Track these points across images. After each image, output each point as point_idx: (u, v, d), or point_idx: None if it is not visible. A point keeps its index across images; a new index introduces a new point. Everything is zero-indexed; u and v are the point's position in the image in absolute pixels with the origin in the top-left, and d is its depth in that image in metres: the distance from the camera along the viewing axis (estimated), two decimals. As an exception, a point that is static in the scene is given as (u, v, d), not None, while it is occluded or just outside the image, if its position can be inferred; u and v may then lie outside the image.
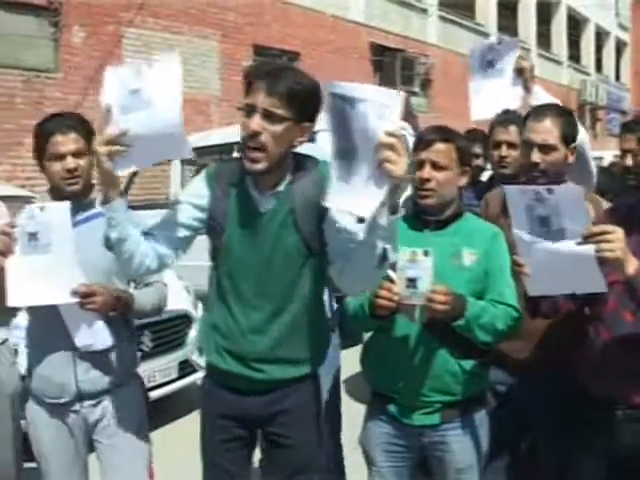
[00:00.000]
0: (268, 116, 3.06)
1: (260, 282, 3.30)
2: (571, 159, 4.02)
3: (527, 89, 4.80)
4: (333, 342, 4.31)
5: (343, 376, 7.97)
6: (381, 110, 2.70)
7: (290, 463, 3.47)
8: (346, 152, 2.81)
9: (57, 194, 3.63)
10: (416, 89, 24.41)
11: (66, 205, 3.40)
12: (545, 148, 3.90)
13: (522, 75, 4.82)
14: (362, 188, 2.78)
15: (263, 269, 3.28)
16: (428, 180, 3.53)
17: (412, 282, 3.29)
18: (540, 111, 4.05)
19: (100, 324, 3.58)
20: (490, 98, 4.91)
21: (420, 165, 3.56)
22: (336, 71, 20.40)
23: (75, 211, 3.47)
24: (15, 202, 4.72)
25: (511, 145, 4.79)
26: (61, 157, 3.57)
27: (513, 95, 4.87)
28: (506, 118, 4.85)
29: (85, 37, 14.72)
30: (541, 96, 4.76)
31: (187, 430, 4.19)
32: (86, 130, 3.67)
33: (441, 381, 3.54)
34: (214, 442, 3.53)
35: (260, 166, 3.13)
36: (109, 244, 3.18)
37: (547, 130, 3.91)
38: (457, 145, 3.60)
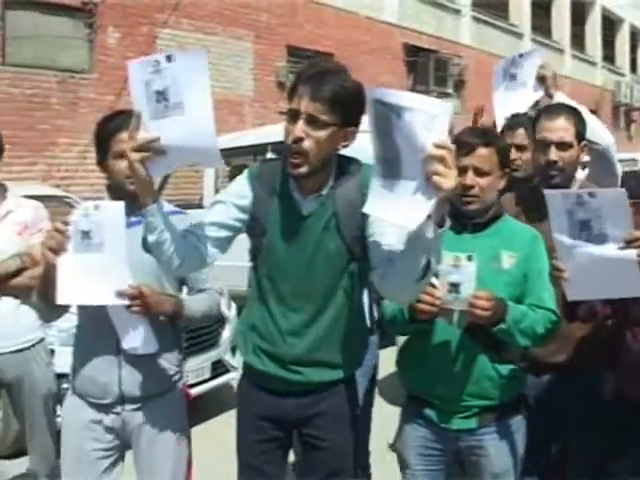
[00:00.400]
0: (312, 122, 3.03)
1: (300, 285, 3.28)
2: (583, 157, 4.04)
3: (549, 95, 4.80)
4: (371, 340, 4.33)
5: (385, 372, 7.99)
6: (429, 121, 2.60)
7: (324, 466, 3.45)
8: (389, 160, 2.74)
9: (117, 193, 3.54)
10: (449, 90, 24.33)
11: (120, 205, 3.31)
12: (562, 146, 3.89)
13: (544, 83, 4.84)
14: (407, 199, 2.70)
15: (304, 272, 3.26)
16: (471, 187, 3.47)
17: (454, 287, 3.25)
18: (553, 110, 4.06)
19: (146, 328, 3.50)
20: (511, 102, 4.93)
21: (462, 171, 3.43)
22: (369, 72, 20.42)
23: (131, 212, 3.36)
24: (50, 202, 4.77)
25: (519, 147, 4.78)
26: (124, 156, 3.37)
27: (532, 98, 4.90)
28: (514, 122, 4.86)
29: (120, 38, 14.80)
30: (564, 101, 4.75)
31: (220, 430, 4.20)
32: None
33: (480, 386, 3.49)
34: (250, 443, 3.52)
35: (302, 170, 3.10)
36: (147, 247, 3.16)
37: (563, 128, 3.91)
38: (498, 148, 3.54)
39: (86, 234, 3.28)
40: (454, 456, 3.65)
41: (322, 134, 3.04)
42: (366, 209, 2.86)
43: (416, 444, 3.67)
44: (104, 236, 3.29)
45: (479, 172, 3.48)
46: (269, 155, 8.76)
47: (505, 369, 3.52)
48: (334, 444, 3.42)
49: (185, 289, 3.81)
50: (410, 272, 2.88)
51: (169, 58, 2.88)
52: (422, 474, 3.67)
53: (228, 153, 10.26)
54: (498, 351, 3.48)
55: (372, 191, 2.82)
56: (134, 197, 3.23)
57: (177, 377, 3.77)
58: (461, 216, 3.54)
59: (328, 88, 3.01)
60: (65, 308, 3.62)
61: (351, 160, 3.32)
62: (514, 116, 4.86)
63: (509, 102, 4.94)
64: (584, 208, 3.06)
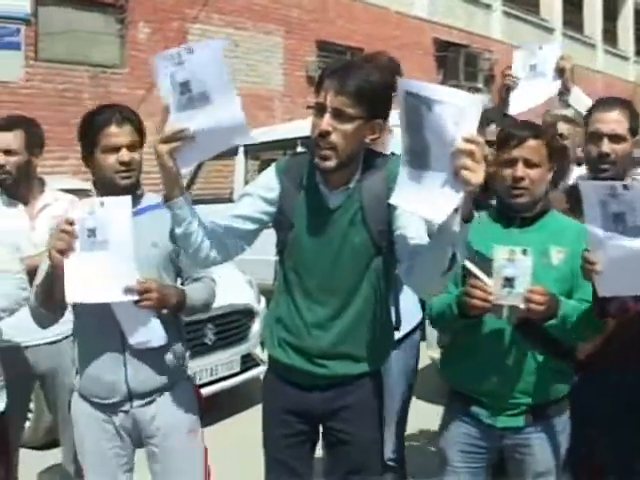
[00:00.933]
0: (338, 115, 3.03)
1: (326, 278, 3.28)
2: (635, 152, 3.98)
3: (566, 89, 4.78)
4: (413, 339, 4.34)
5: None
6: (459, 114, 2.61)
7: (349, 460, 3.44)
8: (418, 152, 2.74)
9: (106, 188, 3.48)
10: (479, 85, 24.23)
11: (127, 200, 3.30)
12: (615, 138, 3.84)
13: (562, 75, 4.82)
14: (435, 192, 2.70)
15: (330, 265, 3.26)
16: (522, 179, 3.43)
17: (509, 282, 3.18)
18: (607, 102, 3.99)
19: (155, 321, 3.48)
20: (528, 93, 4.90)
21: (512, 163, 3.44)
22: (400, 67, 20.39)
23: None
24: (81, 196, 4.81)
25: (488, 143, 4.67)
26: (116, 149, 3.43)
27: (549, 90, 4.88)
28: (484, 117, 4.79)
29: (150, 33, 14.89)
30: (580, 97, 4.74)
31: (249, 423, 4.19)
32: (139, 123, 3.58)
33: (529, 383, 3.44)
34: (276, 437, 3.52)
35: (330, 164, 3.10)
36: (174, 239, 3.18)
37: (616, 120, 3.86)
38: (546, 140, 3.50)
39: (92, 232, 3.25)
40: (497, 454, 3.61)
41: (348, 127, 3.04)
42: (392, 200, 2.86)
43: (459, 441, 3.62)
44: (109, 233, 3.26)
45: (529, 164, 3.43)
46: (299, 150, 8.77)
47: (555, 367, 3.47)
48: (359, 438, 3.40)
49: (179, 279, 3.78)
50: (436, 265, 2.88)
51: (189, 50, 2.92)
52: (464, 471, 3.63)
53: (258, 147, 10.30)
54: (549, 348, 3.44)
55: (399, 182, 2.82)
56: (125, 192, 3.34)
57: (183, 369, 3.76)
58: (509, 210, 3.52)
59: (353, 82, 3.02)
60: (62, 312, 3.61)
61: (377, 154, 3.33)
62: (485, 111, 4.76)
63: (526, 94, 4.91)
64: (617, 200, 2.99)
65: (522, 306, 3.19)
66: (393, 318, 3.58)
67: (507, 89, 4.92)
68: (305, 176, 3.30)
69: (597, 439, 3.97)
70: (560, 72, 4.84)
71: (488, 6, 25.74)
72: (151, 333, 3.48)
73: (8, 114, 4.86)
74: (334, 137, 3.04)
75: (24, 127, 4.56)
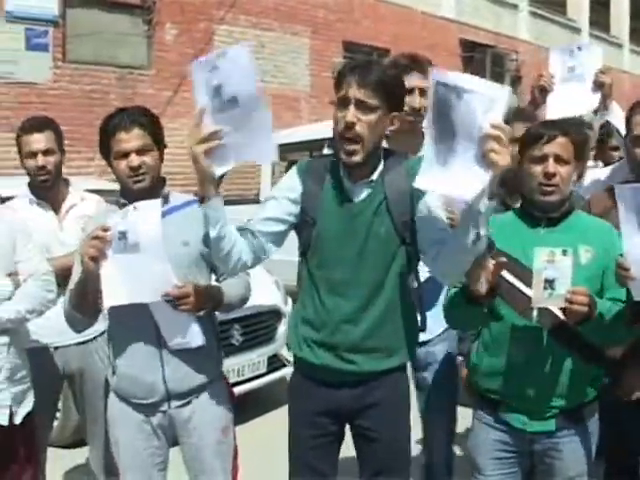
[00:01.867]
0: (361, 106, 3.15)
1: (353, 271, 3.32)
2: None
3: (605, 106, 4.72)
4: (451, 333, 4.30)
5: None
6: (488, 103, 2.84)
7: (377, 458, 3.48)
8: (444, 137, 2.93)
9: (125, 192, 3.53)
10: (506, 86, 24.15)
11: (157, 203, 3.35)
12: None
13: (601, 90, 4.73)
14: (462, 173, 2.90)
15: (356, 258, 3.31)
16: (554, 175, 3.39)
17: (549, 283, 3.16)
18: None
19: (193, 323, 3.51)
20: (567, 99, 4.81)
21: (542, 159, 3.41)
22: (426, 67, 20.34)
23: None
24: (107, 196, 4.84)
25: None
26: (126, 155, 3.44)
27: (589, 103, 4.79)
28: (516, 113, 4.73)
29: (177, 34, 14.93)
30: (618, 114, 4.68)
31: (275, 424, 4.21)
32: (152, 124, 3.55)
33: (560, 387, 3.40)
34: (304, 438, 3.55)
35: (357, 158, 3.21)
36: (207, 243, 3.24)
37: None
38: (574, 139, 3.47)
39: (123, 234, 3.29)
40: (529, 458, 3.56)
41: (372, 117, 3.17)
42: (417, 183, 3.04)
43: (490, 448, 3.59)
44: (140, 235, 3.29)
45: (560, 160, 3.40)
46: (325, 150, 8.77)
47: (587, 369, 3.44)
48: (387, 436, 3.44)
49: (213, 275, 3.77)
50: (462, 247, 3.04)
51: (222, 55, 3.04)
52: (496, 477, 3.59)
53: (284, 148, 10.31)
54: (581, 351, 3.40)
55: (424, 166, 3.00)
56: (142, 195, 3.38)
57: (219, 368, 3.78)
58: (535, 210, 3.49)
59: (373, 75, 3.16)
60: (96, 316, 3.63)
61: (394, 152, 3.44)
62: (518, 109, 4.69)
63: (564, 99, 4.82)
64: None
65: (559, 311, 3.19)
66: (418, 317, 3.56)
67: (542, 90, 4.86)
68: (327, 173, 3.39)
69: (628, 441, 3.94)
70: (599, 86, 4.74)
71: (515, 6, 25.65)
72: (189, 335, 3.51)
73: (32, 115, 4.89)
74: (359, 128, 3.16)
75: (52, 127, 4.61)
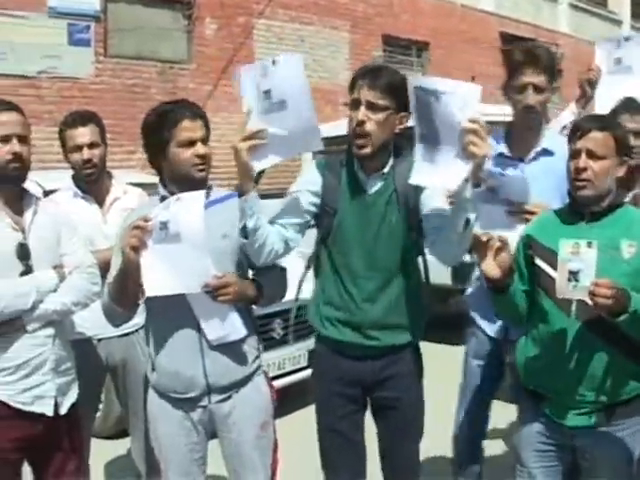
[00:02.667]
0: (371, 107, 3.54)
1: (370, 255, 3.71)
2: None
3: None
4: None
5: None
6: (463, 101, 3.21)
7: (395, 423, 3.90)
8: (429, 137, 3.34)
9: (180, 183, 3.53)
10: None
11: (200, 194, 3.39)
12: None
13: None
14: (447, 166, 3.30)
15: (372, 243, 3.70)
16: (584, 169, 3.39)
17: (574, 275, 3.17)
18: None
19: (233, 315, 3.54)
20: (615, 91, 4.74)
21: (576, 154, 3.43)
22: (465, 61, 20.28)
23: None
24: (149, 189, 4.88)
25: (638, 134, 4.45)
26: (192, 143, 3.49)
27: (638, 94, 4.72)
28: (631, 106, 4.68)
29: (217, 29, 14.98)
30: None
31: (314, 418, 4.24)
32: (206, 118, 3.63)
33: (598, 381, 3.39)
34: (331, 407, 3.90)
35: (367, 150, 3.59)
36: (245, 233, 3.47)
37: None
38: (615, 134, 3.43)
39: (164, 225, 3.33)
40: (571, 454, 3.54)
41: (381, 116, 3.55)
42: (411, 180, 3.46)
43: (533, 440, 3.61)
44: (181, 226, 3.32)
45: (592, 155, 3.39)
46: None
47: (627, 365, 3.40)
48: (403, 404, 3.86)
49: (251, 270, 3.81)
50: (454, 230, 3.42)
51: (273, 62, 3.36)
52: (538, 471, 3.60)
53: (324, 142, 10.30)
54: (620, 346, 3.36)
55: (415, 164, 3.42)
56: (201, 184, 3.50)
57: (258, 361, 3.78)
58: (577, 205, 3.50)
59: (383, 78, 3.56)
60: (135, 310, 3.68)
61: (404, 146, 3.75)
62: (632, 100, 4.66)
63: (612, 93, 4.75)
64: None
65: (588, 300, 3.15)
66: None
67: (590, 83, 4.81)
68: (344, 168, 3.76)
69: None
70: None
71: (555, -1, 25.47)
72: (229, 327, 3.54)
73: (74, 110, 4.94)
74: (369, 125, 3.54)
75: (95, 120, 4.67)
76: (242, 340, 3.62)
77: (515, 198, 3.94)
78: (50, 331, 3.75)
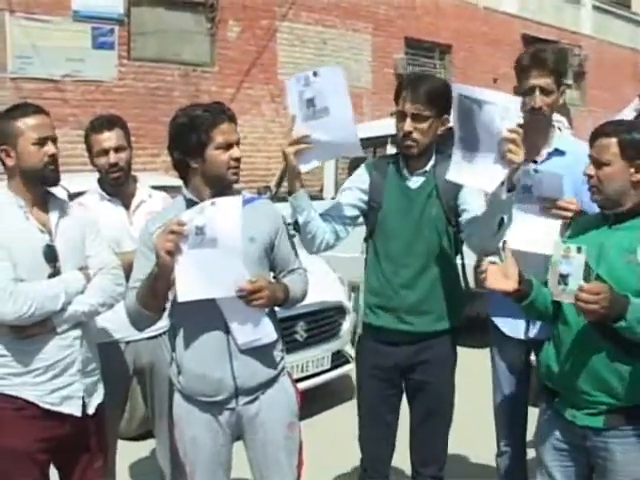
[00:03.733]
0: (416, 118, 3.89)
1: (410, 244, 4.01)
2: None
3: None
4: None
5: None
6: (504, 111, 3.48)
7: (427, 404, 4.16)
8: (469, 140, 3.61)
9: (213, 185, 3.56)
10: (569, 81, 23.87)
11: (238, 200, 3.40)
12: None
13: None
14: (484, 169, 3.57)
15: (412, 233, 4.00)
16: (590, 177, 3.45)
17: (563, 278, 3.19)
18: None
19: (265, 319, 3.57)
20: None
21: (590, 161, 3.49)
22: (488, 63, 20.26)
23: None
24: (171, 193, 4.90)
25: None
26: (229, 146, 3.52)
27: None
28: None
29: (240, 32, 15.02)
30: None
31: (339, 420, 4.28)
32: (236, 120, 3.66)
33: (606, 382, 3.36)
34: (372, 391, 4.21)
35: (414, 151, 3.96)
36: (297, 228, 3.88)
37: None
38: (619, 139, 3.39)
39: (200, 230, 3.33)
40: (586, 455, 3.50)
41: (425, 125, 3.91)
42: (448, 176, 3.74)
43: (551, 438, 3.61)
44: (218, 231, 3.33)
45: (597, 162, 3.44)
46: (389, 147, 8.78)
47: (637, 368, 3.35)
48: (435, 386, 4.13)
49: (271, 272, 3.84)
50: (489, 228, 3.70)
51: (315, 74, 3.70)
52: (556, 470, 3.59)
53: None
54: (629, 348, 3.32)
55: (453, 162, 3.69)
56: (230, 187, 3.60)
57: (283, 362, 3.79)
58: (603, 212, 3.53)
59: (424, 89, 3.88)
60: (162, 313, 3.68)
61: (445, 145, 4.00)
62: None
63: None
64: None
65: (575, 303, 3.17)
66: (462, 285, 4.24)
67: None
68: (390, 167, 4.12)
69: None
70: None
71: (578, 1, 25.30)
72: (260, 331, 3.56)
73: (99, 114, 4.96)
74: (415, 134, 3.91)
75: (120, 124, 4.68)
76: (269, 342, 3.64)
77: (549, 194, 4.02)
78: (78, 332, 3.78)
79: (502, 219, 3.67)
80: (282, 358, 3.79)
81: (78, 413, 3.78)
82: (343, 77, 3.72)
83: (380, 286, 4.09)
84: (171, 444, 4.44)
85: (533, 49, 4.29)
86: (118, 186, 4.64)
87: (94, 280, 3.85)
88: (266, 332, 3.59)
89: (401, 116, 3.93)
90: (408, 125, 3.88)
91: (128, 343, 4.64)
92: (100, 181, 4.71)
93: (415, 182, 4.05)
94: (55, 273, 3.73)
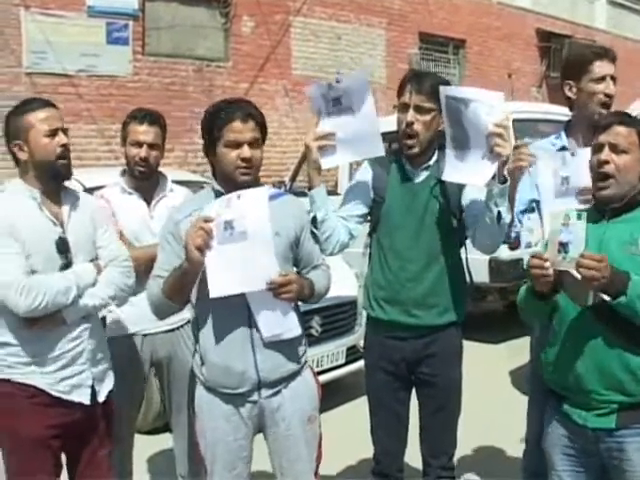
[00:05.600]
0: (418, 109, 3.94)
1: (414, 238, 4.04)
2: None
3: None
4: None
5: (510, 367, 7.95)
6: (489, 108, 3.64)
7: (436, 398, 4.17)
8: (459, 138, 3.77)
9: (226, 182, 3.56)
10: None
11: (264, 190, 3.42)
12: None
13: None
14: (475, 165, 3.72)
15: (417, 227, 4.04)
16: (606, 162, 3.35)
17: (563, 246, 3.15)
18: None
19: (292, 313, 3.57)
20: None
21: (599, 148, 3.39)
22: (501, 58, 20.23)
23: None
24: (188, 187, 4.91)
25: None
26: (239, 145, 3.48)
27: None
28: None
29: (254, 27, 15.04)
30: None
31: (353, 415, 4.29)
32: (262, 121, 3.61)
33: (617, 379, 3.29)
34: (380, 383, 4.24)
35: (415, 150, 4.00)
36: (316, 225, 3.87)
37: None
38: (637, 129, 3.38)
39: (229, 224, 3.33)
40: (599, 458, 3.42)
41: (427, 118, 3.95)
42: (444, 177, 3.90)
43: (559, 443, 3.52)
44: (247, 224, 3.34)
45: (615, 149, 3.35)
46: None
47: None
48: (443, 380, 4.16)
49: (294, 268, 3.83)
50: (488, 224, 3.81)
51: (337, 80, 3.85)
52: (567, 475, 3.51)
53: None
54: (632, 339, 3.26)
55: (447, 163, 3.86)
56: (243, 187, 3.47)
57: (305, 356, 3.81)
58: (599, 204, 3.45)
59: (428, 83, 3.95)
60: (185, 305, 3.70)
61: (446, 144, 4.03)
62: None
63: None
64: None
65: (575, 273, 3.13)
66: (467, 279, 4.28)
67: None
68: (392, 162, 4.15)
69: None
70: None
71: (593, -5, 25.29)
72: (287, 325, 3.57)
73: (142, 108, 4.96)
74: (417, 126, 3.95)
75: (160, 123, 4.73)
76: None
77: (586, 182, 3.76)
78: (87, 324, 3.81)
79: (499, 213, 3.77)
80: (305, 352, 3.81)
81: (87, 401, 3.82)
82: (367, 81, 3.91)
83: (386, 280, 4.12)
84: (189, 437, 4.46)
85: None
86: (141, 180, 4.65)
87: (104, 273, 3.87)
88: (291, 326, 3.59)
89: (404, 108, 3.98)
90: (411, 116, 3.93)
91: (146, 336, 4.64)
92: (124, 173, 4.72)
93: (418, 177, 4.09)
94: (67, 265, 3.75)
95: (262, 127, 3.61)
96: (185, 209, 3.64)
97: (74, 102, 12.03)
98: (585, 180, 3.71)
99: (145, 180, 4.66)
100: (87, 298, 3.76)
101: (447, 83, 4.05)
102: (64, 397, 3.76)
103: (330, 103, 3.85)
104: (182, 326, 4.59)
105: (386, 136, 3.94)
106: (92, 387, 3.85)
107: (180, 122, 13.22)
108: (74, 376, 3.78)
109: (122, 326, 4.56)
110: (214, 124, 3.53)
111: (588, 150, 3.58)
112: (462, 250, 4.24)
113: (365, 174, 4.20)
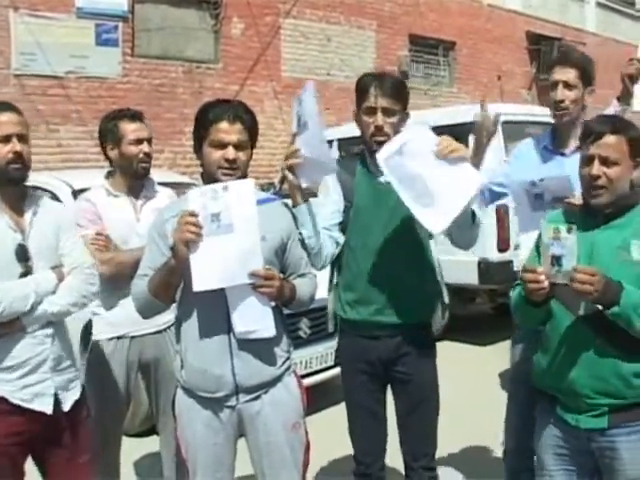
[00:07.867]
0: (386, 112, 3.95)
1: (384, 238, 4.04)
2: None
3: None
4: None
5: (498, 369, 7.95)
6: (422, 138, 3.69)
7: (411, 397, 4.16)
8: (418, 188, 3.65)
9: (210, 182, 3.50)
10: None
11: (250, 182, 3.38)
12: None
13: None
14: (450, 189, 3.63)
15: (385, 227, 4.05)
16: (598, 177, 3.32)
17: (557, 260, 3.15)
18: None
19: (268, 311, 3.49)
20: None
21: (589, 161, 3.35)
22: (492, 61, 20.26)
23: None
24: (177, 189, 4.90)
25: None
26: (223, 146, 3.46)
27: None
28: None
29: (244, 28, 15.05)
30: None
31: (342, 416, 4.25)
32: (252, 123, 3.58)
33: (607, 383, 3.30)
34: (356, 384, 4.21)
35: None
36: (303, 242, 3.82)
37: None
38: (628, 137, 3.34)
39: (216, 216, 3.30)
40: (590, 458, 3.44)
41: (394, 119, 3.98)
42: (435, 232, 3.81)
43: (551, 443, 3.53)
44: (234, 216, 3.31)
45: (606, 161, 3.31)
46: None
47: (635, 366, 3.29)
48: (418, 379, 4.14)
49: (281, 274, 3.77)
50: (463, 223, 3.77)
51: (304, 91, 3.79)
52: (559, 474, 3.52)
53: (350, 142, 10.34)
54: (626, 346, 3.27)
55: (423, 222, 3.69)
56: None
57: (288, 362, 3.75)
58: (590, 209, 3.42)
59: (389, 84, 3.98)
60: (172, 302, 3.65)
61: None
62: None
63: None
64: None
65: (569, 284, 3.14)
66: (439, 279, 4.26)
67: (631, 78, 4.73)
68: (358, 164, 4.15)
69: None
70: None
71: (582, -2, 25.35)
72: (262, 323, 3.49)
73: (120, 107, 4.94)
74: (387, 128, 3.95)
75: (144, 119, 4.77)
76: (272, 341, 3.58)
77: (561, 194, 3.96)
78: (49, 330, 3.74)
79: (473, 213, 3.86)
80: (288, 358, 3.75)
81: (49, 411, 3.73)
82: (313, 93, 3.79)
83: (355, 281, 4.10)
84: (176, 440, 4.45)
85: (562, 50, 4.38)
86: (137, 178, 4.64)
87: (66, 280, 3.79)
88: (265, 325, 3.50)
89: (371, 112, 3.97)
90: (380, 119, 3.93)
91: (133, 338, 4.60)
92: (108, 175, 4.70)
93: (384, 177, 3.94)
94: (27, 272, 3.69)
95: (251, 130, 3.57)
96: (173, 209, 3.60)
97: (63, 104, 12.00)
98: (561, 193, 3.98)
99: (140, 179, 4.66)
100: (46, 305, 3.68)
101: (402, 80, 4.20)
102: (25, 405, 3.68)
103: (299, 120, 3.81)
104: (169, 327, 4.55)
105: (349, 141, 3.98)
106: (55, 395, 3.77)
107: (169, 124, 13.24)
108: (36, 384, 3.70)
109: (110, 328, 4.53)
110: (202, 123, 3.52)
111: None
112: (434, 248, 4.18)
113: (332, 181, 4.13)
